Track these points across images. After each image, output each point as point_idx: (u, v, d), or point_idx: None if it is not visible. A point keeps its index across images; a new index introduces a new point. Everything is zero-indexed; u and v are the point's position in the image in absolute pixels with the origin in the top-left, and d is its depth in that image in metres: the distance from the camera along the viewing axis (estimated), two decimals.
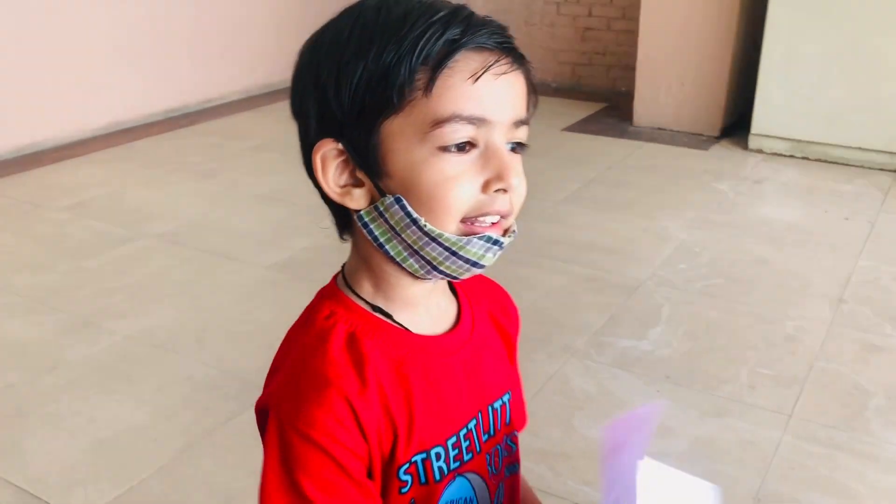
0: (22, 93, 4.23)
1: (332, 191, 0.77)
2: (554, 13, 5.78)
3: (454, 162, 0.73)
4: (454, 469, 0.83)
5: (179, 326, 2.62)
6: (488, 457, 0.88)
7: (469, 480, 0.85)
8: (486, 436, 0.88)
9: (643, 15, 4.67)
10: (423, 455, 0.80)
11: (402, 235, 0.75)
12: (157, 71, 4.88)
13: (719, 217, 3.50)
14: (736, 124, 4.65)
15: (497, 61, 0.73)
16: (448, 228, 0.74)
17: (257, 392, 0.80)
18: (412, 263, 0.77)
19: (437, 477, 0.81)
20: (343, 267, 0.85)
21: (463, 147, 0.73)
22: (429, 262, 0.76)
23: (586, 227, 3.39)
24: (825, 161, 4.14)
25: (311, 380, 0.75)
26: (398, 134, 0.73)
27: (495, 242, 0.76)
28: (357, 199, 0.77)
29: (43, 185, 3.89)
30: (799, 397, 2.23)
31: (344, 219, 0.81)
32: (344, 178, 0.77)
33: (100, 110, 4.62)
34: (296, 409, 0.74)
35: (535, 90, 0.79)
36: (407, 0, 0.73)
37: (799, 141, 4.20)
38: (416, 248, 0.75)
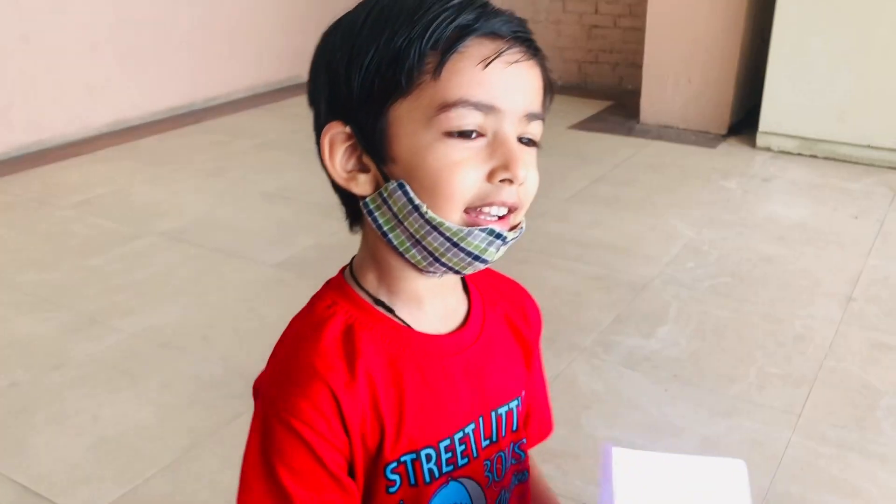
0: (27, 91, 4.23)
1: (339, 175, 0.76)
2: (560, 10, 5.76)
3: (459, 147, 0.71)
4: (447, 473, 0.81)
5: (185, 324, 2.61)
6: (488, 463, 0.85)
7: (464, 486, 0.83)
8: (487, 441, 0.85)
9: (650, 12, 4.64)
10: (413, 455, 0.79)
11: (405, 224, 0.74)
12: (162, 69, 4.88)
13: (727, 215, 3.48)
14: (744, 122, 4.63)
15: (509, 48, 0.71)
16: (451, 217, 0.73)
17: None
18: (415, 254, 0.76)
19: (428, 479, 0.80)
20: (352, 259, 0.85)
21: (470, 134, 0.71)
22: (431, 253, 0.75)
23: (593, 226, 3.38)
24: (834, 159, 4.11)
25: (300, 369, 0.75)
26: (405, 118, 0.72)
27: (498, 236, 0.74)
28: (362, 185, 0.76)
29: (48, 183, 3.89)
30: (808, 397, 2.21)
31: (354, 209, 0.80)
32: (351, 164, 0.76)
33: (105, 108, 4.62)
34: (281, 396, 0.74)
35: (552, 86, 0.77)
36: None
37: (807, 139, 4.17)
38: (418, 237, 0.74)
